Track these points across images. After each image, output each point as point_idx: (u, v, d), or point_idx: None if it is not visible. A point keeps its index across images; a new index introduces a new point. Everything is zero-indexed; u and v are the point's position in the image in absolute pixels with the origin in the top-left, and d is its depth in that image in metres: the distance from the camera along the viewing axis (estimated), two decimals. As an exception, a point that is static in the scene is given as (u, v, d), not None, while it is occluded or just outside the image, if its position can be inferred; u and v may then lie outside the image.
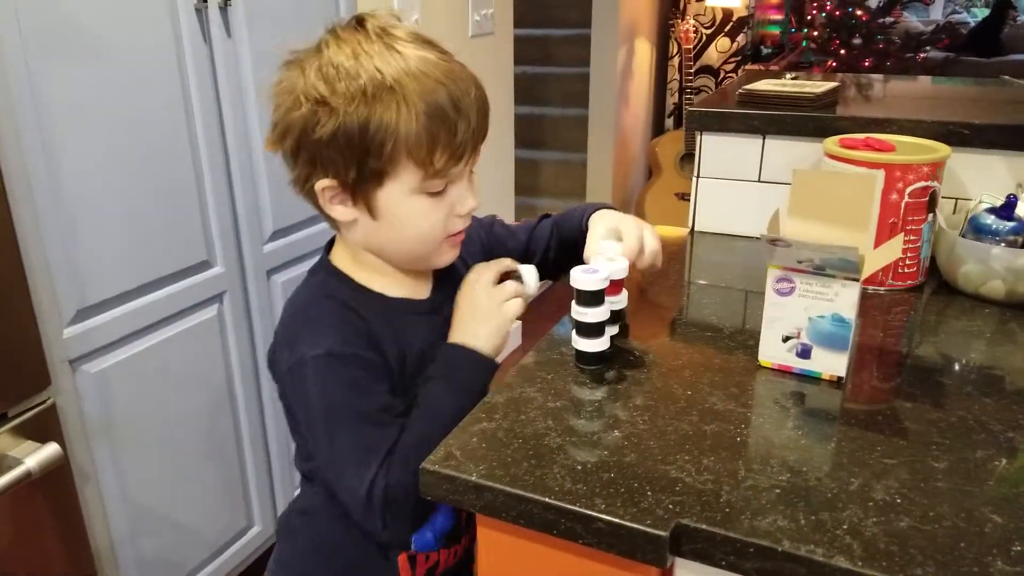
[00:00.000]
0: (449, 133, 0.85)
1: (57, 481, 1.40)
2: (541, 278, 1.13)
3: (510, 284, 0.99)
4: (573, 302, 0.96)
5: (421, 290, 1.00)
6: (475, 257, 1.07)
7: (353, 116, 0.82)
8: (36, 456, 1.31)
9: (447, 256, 0.96)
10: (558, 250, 1.17)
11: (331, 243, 1.00)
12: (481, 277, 0.98)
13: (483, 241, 1.12)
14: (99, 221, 1.45)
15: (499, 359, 0.97)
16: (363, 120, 0.82)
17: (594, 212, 1.12)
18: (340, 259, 0.97)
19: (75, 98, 1.38)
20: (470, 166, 0.92)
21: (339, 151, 0.84)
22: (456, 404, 0.90)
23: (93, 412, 1.50)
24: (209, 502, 1.82)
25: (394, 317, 0.94)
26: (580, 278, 0.95)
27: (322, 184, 0.87)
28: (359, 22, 0.86)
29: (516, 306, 0.98)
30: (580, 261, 1.09)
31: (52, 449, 1.34)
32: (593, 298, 0.95)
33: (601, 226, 1.07)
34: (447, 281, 1.01)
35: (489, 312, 0.96)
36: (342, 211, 0.90)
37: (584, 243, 1.09)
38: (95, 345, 1.49)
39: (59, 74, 1.34)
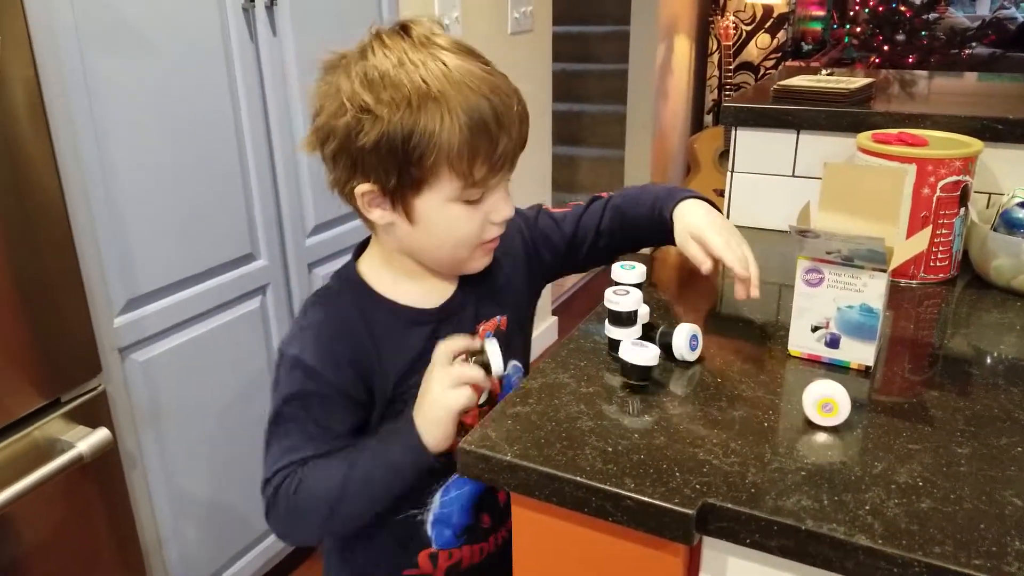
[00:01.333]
0: (490, 145, 0.86)
1: (106, 465, 1.45)
2: (587, 266, 1.16)
3: (466, 369, 0.90)
4: (607, 291, 0.99)
5: (440, 295, 0.99)
6: (515, 253, 1.07)
7: (397, 125, 0.83)
8: (88, 440, 1.36)
9: (480, 263, 0.97)
10: (612, 236, 1.13)
11: (361, 246, 1.02)
12: (438, 356, 0.92)
13: (525, 238, 1.10)
14: (149, 215, 1.50)
15: (444, 446, 0.91)
16: (407, 130, 0.83)
17: (678, 203, 1.08)
18: (370, 261, 0.99)
19: (127, 94, 1.43)
20: (507, 176, 0.92)
21: (381, 159, 0.85)
22: (373, 473, 0.91)
23: (140, 399, 1.55)
24: (250, 490, 1.86)
25: (398, 327, 0.96)
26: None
27: (362, 188, 0.88)
28: (404, 29, 0.87)
29: (463, 396, 0.89)
30: (641, 245, 1.14)
31: (103, 434, 1.39)
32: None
33: (684, 228, 1.05)
34: (470, 283, 1.01)
35: (433, 400, 0.90)
36: (380, 214, 0.91)
37: (653, 233, 1.10)
38: (144, 334, 1.54)
39: (112, 71, 1.39)
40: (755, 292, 1.00)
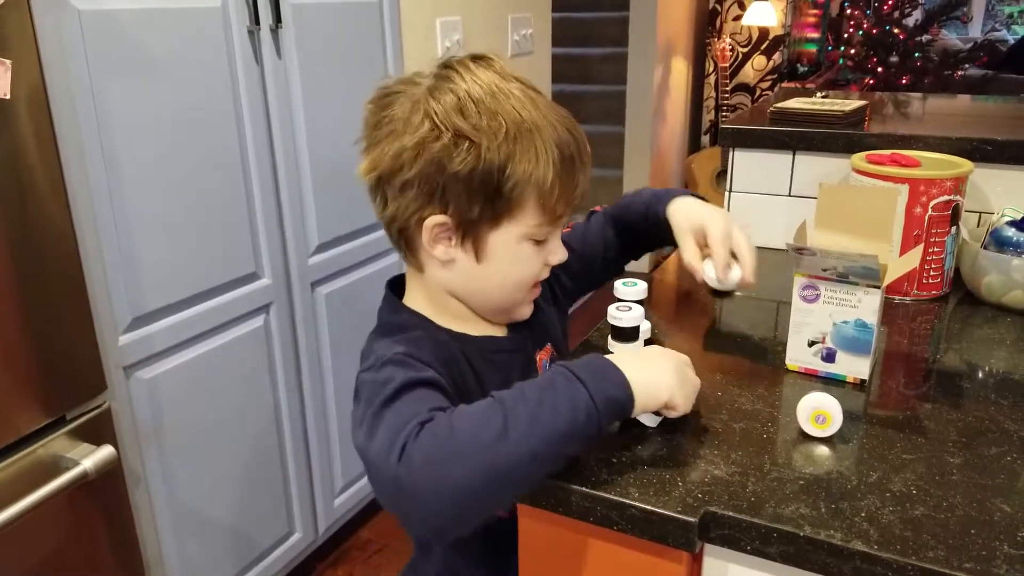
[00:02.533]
0: (573, 182, 0.86)
1: (110, 483, 1.46)
2: (603, 280, 1.18)
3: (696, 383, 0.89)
4: (610, 307, 1.02)
5: (499, 331, 0.99)
6: (541, 304, 1.04)
7: (495, 154, 0.81)
8: (92, 458, 1.36)
9: (528, 309, 0.97)
10: (616, 247, 1.16)
11: (394, 286, 0.97)
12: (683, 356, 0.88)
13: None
14: (154, 234, 1.52)
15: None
16: (504, 159, 0.81)
17: (670, 202, 1.09)
18: (415, 302, 0.95)
19: (134, 116, 1.45)
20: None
21: (470, 188, 0.82)
22: (559, 406, 0.75)
23: (144, 417, 1.56)
24: (252, 508, 1.87)
25: (481, 356, 0.93)
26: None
27: (434, 220, 0.84)
28: (483, 60, 0.86)
29: (687, 402, 0.85)
30: (645, 249, 1.16)
31: (107, 451, 1.39)
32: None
33: (684, 221, 1.06)
34: (519, 326, 1.00)
35: (664, 380, 0.82)
36: (443, 251, 0.87)
37: (652, 235, 1.12)
38: (148, 352, 1.55)
39: (120, 91, 1.42)
40: (750, 278, 1.03)
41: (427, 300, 0.94)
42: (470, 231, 0.86)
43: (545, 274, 0.94)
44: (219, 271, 1.68)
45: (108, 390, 1.45)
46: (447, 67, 0.86)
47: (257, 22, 1.67)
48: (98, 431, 1.43)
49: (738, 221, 1.06)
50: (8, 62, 1.17)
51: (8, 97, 1.18)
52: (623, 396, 0.78)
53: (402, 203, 0.85)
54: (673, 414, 0.85)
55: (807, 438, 0.88)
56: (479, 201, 0.83)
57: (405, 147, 0.82)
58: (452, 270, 0.89)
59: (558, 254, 0.93)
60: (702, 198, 1.11)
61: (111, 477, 1.44)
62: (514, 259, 0.88)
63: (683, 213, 1.07)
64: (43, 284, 1.29)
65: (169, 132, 1.52)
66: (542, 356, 1.03)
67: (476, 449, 0.71)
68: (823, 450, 0.86)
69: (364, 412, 0.79)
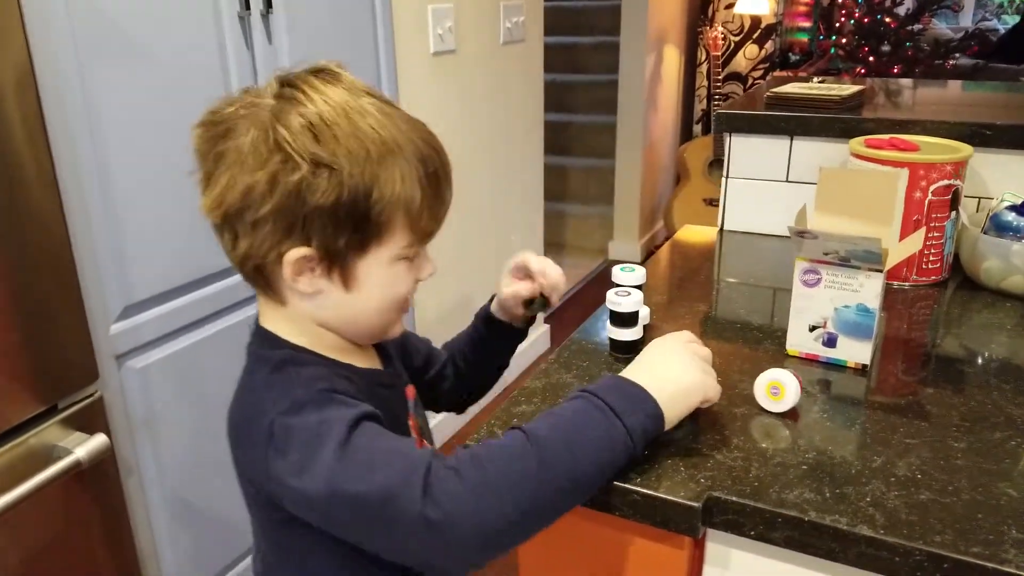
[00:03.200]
0: (439, 197, 0.81)
1: (103, 472, 1.45)
2: (436, 404, 1.13)
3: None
4: (609, 292, 1.01)
5: (377, 363, 0.92)
6: (392, 346, 0.99)
7: (359, 180, 0.74)
8: (85, 447, 1.35)
9: (399, 328, 0.90)
10: (454, 366, 1.12)
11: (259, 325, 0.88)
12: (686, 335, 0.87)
13: None
14: (145, 222, 1.50)
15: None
16: (368, 184, 0.74)
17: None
18: (285, 332, 0.84)
19: (123, 102, 1.43)
20: None
21: (335, 219, 0.75)
22: (588, 434, 0.74)
23: (137, 406, 1.55)
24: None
25: (369, 390, 0.85)
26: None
27: (296, 254, 0.76)
28: (328, 73, 0.79)
29: (713, 390, 0.84)
30: (485, 360, 1.12)
31: (100, 440, 1.38)
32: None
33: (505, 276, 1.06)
34: (387, 359, 0.95)
35: (690, 382, 0.81)
36: (307, 283, 0.79)
37: (483, 329, 1.09)
38: (140, 341, 1.54)
39: (108, 78, 1.40)
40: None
41: (298, 334, 0.84)
42: (336, 261, 0.78)
43: (415, 289, 0.87)
44: (210, 260, 1.66)
45: (100, 379, 1.44)
46: (289, 85, 0.77)
47: (248, 7, 1.65)
48: (91, 420, 1.41)
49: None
50: (-4, 46, 1.15)
51: (-4, 83, 1.16)
52: (656, 427, 0.78)
53: (256, 240, 0.76)
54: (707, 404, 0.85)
55: (811, 424, 0.87)
56: (346, 231, 0.76)
57: (257, 182, 0.74)
58: (319, 301, 0.81)
59: (427, 268, 0.86)
60: None
61: (104, 466, 1.43)
62: (386, 282, 0.81)
63: (501, 284, 1.06)
64: (34, 273, 1.27)
65: (159, 118, 1.50)
66: (411, 392, 0.97)
67: (514, 484, 0.69)
68: (827, 435, 0.85)
69: (306, 458, 0.72)
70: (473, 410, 2.82)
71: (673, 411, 0.79)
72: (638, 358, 0.85)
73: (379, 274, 0.80)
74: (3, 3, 1.17)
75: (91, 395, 1.42)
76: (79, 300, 1.37)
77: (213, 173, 0.76)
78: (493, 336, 1.09)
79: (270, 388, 0.80)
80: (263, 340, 0.85)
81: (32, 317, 1.28)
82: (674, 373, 0.81)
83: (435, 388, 1.10)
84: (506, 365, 1.14)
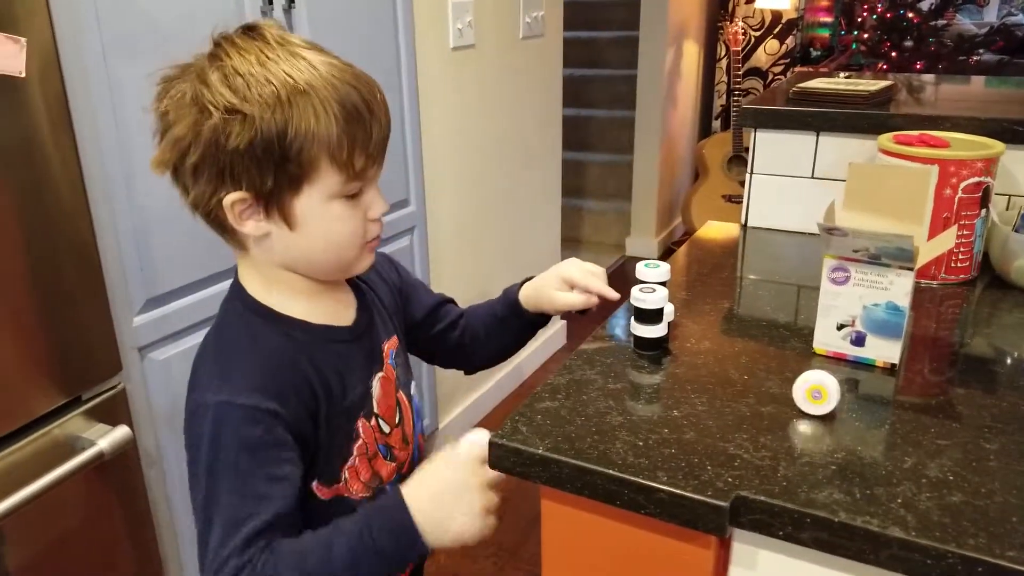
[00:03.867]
0: (365, 133, 0.83)
1: (125, 463, 1.45)
2: (431, 348, 1.16)
3: (493, 498, 0.90)
4: (633, 289, 1.00)
5: (344, 315, 0.96)
6: (391, 282, 1.07)
7: (270, 122, 0.78)
8: (108, 438, 1.36)
9: (366, 261, 0.92)
10: (469, 333, 1.16)
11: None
12: (473, 464, 0.88)
13: (396, 274, 1.10)
14: (169, 215, 1.50)
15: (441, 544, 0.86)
16: (281, 125, 0.79)
17: (521, 286, 1.15)
18: (253, 285, 0.91)
19: (148, 96, 1.43)
20: (379, 170, 0.89)
21: (255, 160, 0.80)
22: (361, 561, 0.83)
23: (159, 398, 1.56)
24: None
25: (319, 346, 0.90)
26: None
27: (232, 198, 0.82)
28: (253, 30, 0.83)
29: (486, 527, 0.88)
30: (500, 340, 1.17)
31: (123, 432, 1.39)
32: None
33: (541, 282, 1.12)
34: (365, 304, 0.99)
35: (459, 521, 0.86)
36: (253, 226, 0.84)
37: (510, 312, 1.14)
38: (163, 334, 1.54)
39: (133, 70, 1.40)
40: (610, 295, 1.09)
41: (262, 282, 0.90)
42: (272, 201, 0.83)
43: (374, 230, 0.90)
44: (230, 253, 1.66)
45: (123, 371, 1.44)
46: (216, 45, 0.83)
47: (271, 2, 1.65)
48: (113, 412, 1.42)
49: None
50: (23, 40, 1.16)
51: (23, 75, 1.17)
52: (420, 559, 0.89)
53: (198, 189, 0.83)
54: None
55: (839, 423, 0.86)
56: (270, 171, 0.80)
57: (184, 135, 0.81)
58: (271, 243, 0.86)
59: (376, 206, 0.89)
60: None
61: (126, 457, 1.44)
62: (329, 220, 0.85)
63: (535, 282, 1.13)
64: (58, 265, 1.28)
65: (183, 111, 1.50)
66: (389, 347, 0.99)
67: None
68: (856, 435, 0.84)
69: (192, 467, 0.86)
70: (489, 404, 2.82)
71: (440, 548, 0.86)
72: (431, 479, 0.88)
73: (319, 211, 0.84)
74: (29, -5, 1.17)
75: (114, 387, 1.43)
76: (103, 292, 1.38)
77: (159, 132, 0.84)
78: (517, 322, 1.15)
79: (203, 371, 0.88)
80: (232, 295, 0.92)
81: (56, 309, 1.28)
82: (457, 525, 0.86)
83: (438, 343, 1.15)
84: (521, 346, 1.20)
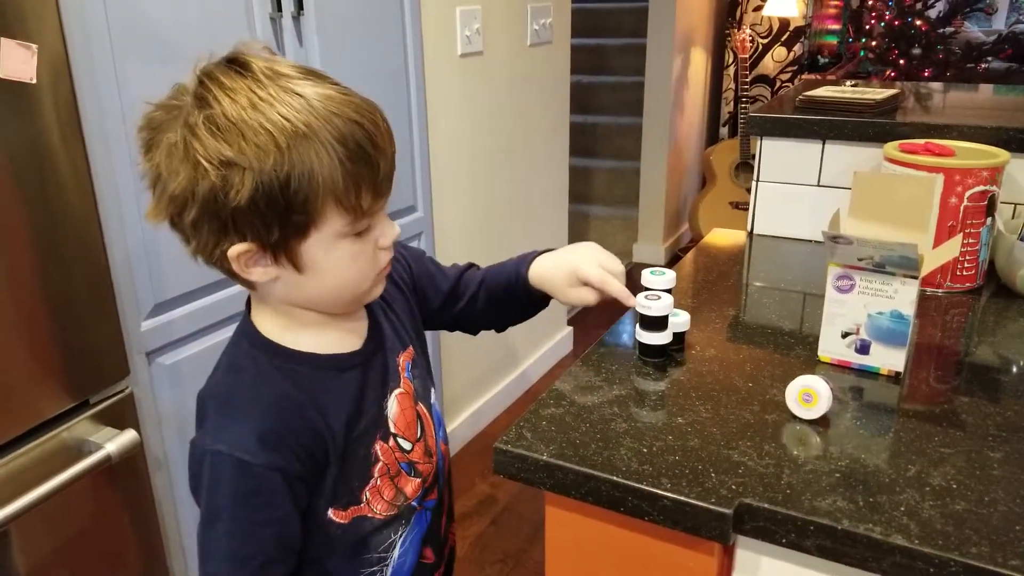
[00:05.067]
0: (372, 171, 0.78)
1: (132, 467, 1.45)
2: (460, 322, 1.11)
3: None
4: (639, 296, 1.00)
5: (353, 340, 0.92)
6: (400, 283, 1.02)
7: (271, 174, 0.73)
8: (115, 442, 1.36)
9: (378, 290, 0.89)
10: (484, 303, 1.09)
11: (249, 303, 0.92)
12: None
13: (407, 270, 1.05)
14: (178, 219, 1.52)
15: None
16: (283, 176, 0.73)
17: (532, 264, 1.05)
18: (262, 320, 0.88)
19: (157, 101, 1.44)
20: (387, 200, 0.84)
21: (259, 214, 0.75)
22: None
23: (166, 403, 1.56)
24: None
25: (327, 380, 0.88)
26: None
27: (237, 250, 0.78)
28: (239, 63, 0.77)
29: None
30: (512, 313, 1.10)
31: (130, 436, 1.39)
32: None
33: (554, 273, 1.02)
34: (377, 324, 0.95)
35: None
36: (261, 272, 0.81)
37: (516, 296, 1.06)
38: (171, 338, 1.55)
39: (143, 77, 1.41)
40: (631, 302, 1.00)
41: (274, 316, 0.87)
42: (279, 250, 0.79)
43: (384, 258, 0.86)
44: (240, 258, 1.67)
45: (131, 375, 1.45)
46: (200, 83, 0.77)
47: (279, 9, 1.66)
48: (121, 416, 1.42)
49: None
50: (34, 47, 1.16)
51: (34, 82, 1.18)
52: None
53: (199, 240, 0.79)
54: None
55: (844, 431, 0.86)
56: (275, 223, 0.76)
57: (179, 191, 0.76)
58: (280, 285, 0.83)
59: (388, 234, 0.85)
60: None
61: (133, 461, 1.44)
62: (339, 260, 0.82)
63: (549, 268, 1.02)
64: (67, 269, 1.28)
65: (192, 117, 1.51)
66: (404, 359, 0.97)
67: None
68: (859, 443, 0.84)
69: (194, 496, 0.87)
70: (495, 412, 2.82)
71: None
72: None
73: (328, 254, 0.80)
74: (41, 0, 1.18)
75: (122, 391, 1.43)
76: (111, 296, 1.38)
77: (149, 185, 0.79)
78: (524, 297, 1.07)
79: (216, 408, 0.86)
80: (241, 330, 0.89)
81: (64, 313, 1.29)
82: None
83: (468, 315, 1.09)
84: (525, 320, 1.13)
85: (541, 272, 1.04)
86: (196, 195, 0.75)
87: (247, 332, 0.88)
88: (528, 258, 1.06)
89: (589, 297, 1.00)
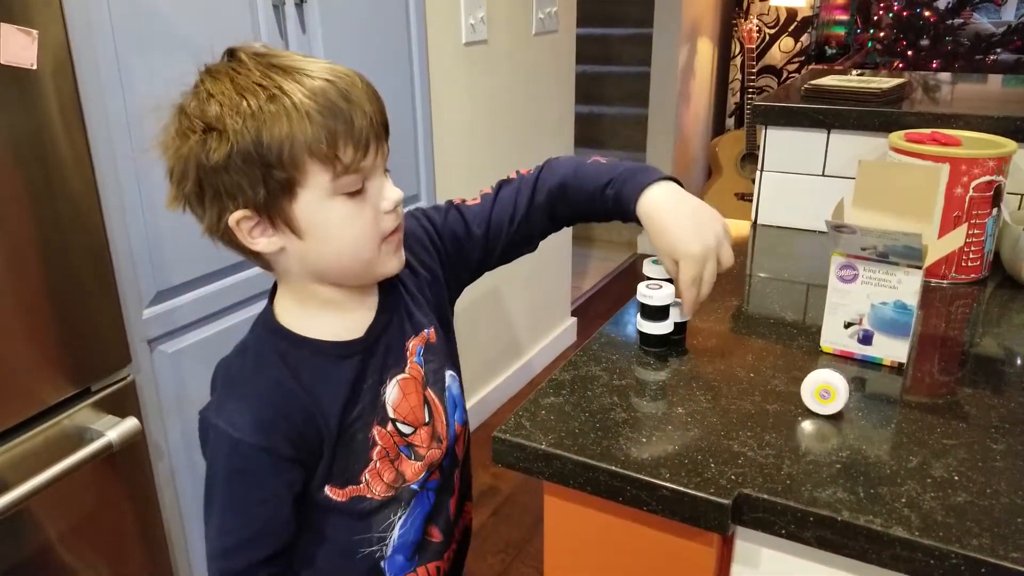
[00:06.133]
0: (346, 124, 0.80)
1: (133, 455, 1.46)
2: (511, 255, 1.08)
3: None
4: (640, 285, 1.00)
5: (359, 327, 0.93)
6: (424, 258, 1.01)
7: (243, 131, 0.78)
8: (117, 429, 1.37)
9: (392, 262, 0.90)
10: (545, 214, 1.05)
11: (273, 291, 0.95)
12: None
13: (434, 239, 1.03)
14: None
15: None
16: (254, 133, 0.78)
17: (643, 192, 0.95)
18: (283, 302, 0.92)
19: (158, 90, 1.44)
20: (381, 159, 0.85)
21: (239, 172, 0.79)
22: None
23: (168, 391, 1.56)
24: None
25: (326, 366, 0.90)
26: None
27: (236, 216, 0.82)
28: (231, 55, 0.83)
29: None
30: (582, 220, 1.06)
31: (131, 423, 1.39)
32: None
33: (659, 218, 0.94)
34: (389, 304, 0.95)
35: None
36: (265, 242, 0.84)
37: (606, 214, 1.00)
38: (172, 326, 1.55)
39: (145, 65, 1.40)
40: (688, 314, 0.98)
41: (294, 297, 0.91)
42: (272, 213, 0.82)
43: (390, 222, 0.86)
44: (243, 246, 1.67)
45: (132, 363, 1.45)
46: (200, 76, 0.84)
47: (283, -3, 1.65)
48: (122, 403, 1.43)
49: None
50: (35, 32, 1.16)
51: (35, 67, 1.17)
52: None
53: (206, 215, 0.84)
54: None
55: (844, 422, 0.86)
56: (258, 181, 0.79)
57: (173, 164, 0.83)
58: (288, 257, 0.86)
59: (388, 197, 0.86)
60: (677, 181, 0.98)
61: (135, 449, 1.44)
62: (335, 220, 0.83)
63: (656, 224, 0.94)
64: (69, 257, 1.28)
65: (194, 105, 1.51)
66: (416, 343, 0.97)
67: None
68: (861, 434, 0.83)
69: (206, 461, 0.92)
70: (499, 402, 2.82)
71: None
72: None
73: (321, 214, 0.82)
74: (42, -11, 1.18)
75: (123, 379, 1.43)
76: (113, 284, 1.38)
77: (166, 172, 0.85)
78: (608, 215, 1.01)
79: (223, 384, 0.92)
80: (261, 315, 0.94)
81: (66, 301, 1.29)
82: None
83: (521, 236, 1.06)
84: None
85: (649, 217, 0.95)
86: (187, 164, 0.81)
87: (264, 317, 0.93)
88: (639, 182, 0.96)
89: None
